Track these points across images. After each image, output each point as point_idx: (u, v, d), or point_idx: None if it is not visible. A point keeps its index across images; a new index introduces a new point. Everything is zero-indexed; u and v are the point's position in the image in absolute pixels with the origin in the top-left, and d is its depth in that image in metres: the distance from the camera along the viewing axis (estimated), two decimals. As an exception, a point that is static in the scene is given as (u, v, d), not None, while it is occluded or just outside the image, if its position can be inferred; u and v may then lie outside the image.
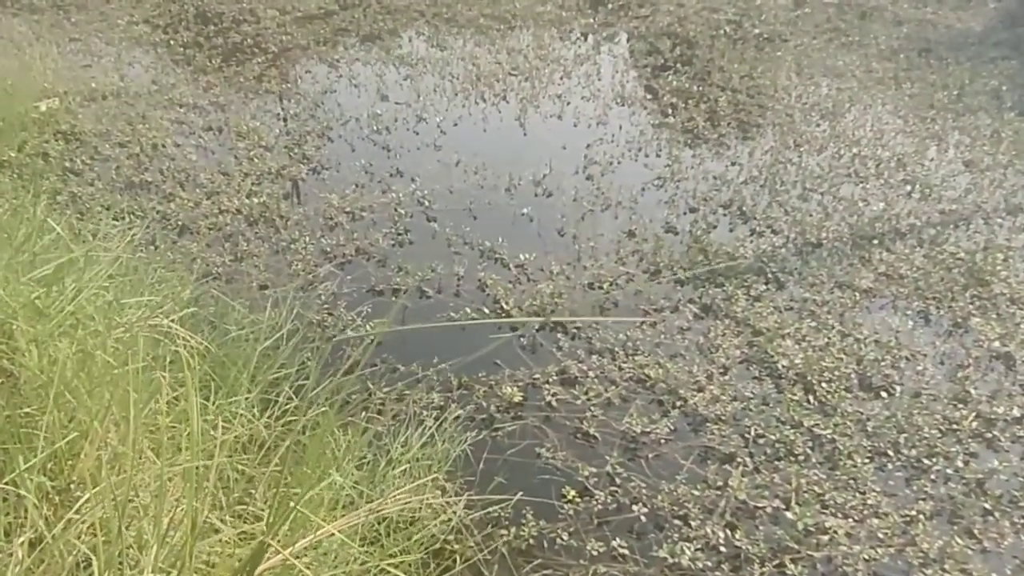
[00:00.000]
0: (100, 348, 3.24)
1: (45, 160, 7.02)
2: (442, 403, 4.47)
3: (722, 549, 3.74)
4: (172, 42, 10.23)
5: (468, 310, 5.27)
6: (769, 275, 5.75)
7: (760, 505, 3.96)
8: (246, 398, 3.56)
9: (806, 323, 5.24)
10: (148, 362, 3.28)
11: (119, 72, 9.13)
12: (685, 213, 6.60)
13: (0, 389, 3.09)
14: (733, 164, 7.42)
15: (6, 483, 2.52)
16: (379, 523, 3.36)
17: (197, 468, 2.48)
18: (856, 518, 3.91)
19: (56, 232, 4.01)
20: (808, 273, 5.78)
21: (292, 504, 2.52)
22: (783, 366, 4.85)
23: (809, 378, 4.76)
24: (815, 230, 6.28)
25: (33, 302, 3.31)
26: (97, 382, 3.09)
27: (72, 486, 2.84)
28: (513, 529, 3.74)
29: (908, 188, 7.03)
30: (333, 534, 2.66)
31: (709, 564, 3.66)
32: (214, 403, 3.41)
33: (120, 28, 10.71)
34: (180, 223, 6.17)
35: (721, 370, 4.84)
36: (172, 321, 3.64)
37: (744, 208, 6.62)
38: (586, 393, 4.62)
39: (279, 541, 2.46)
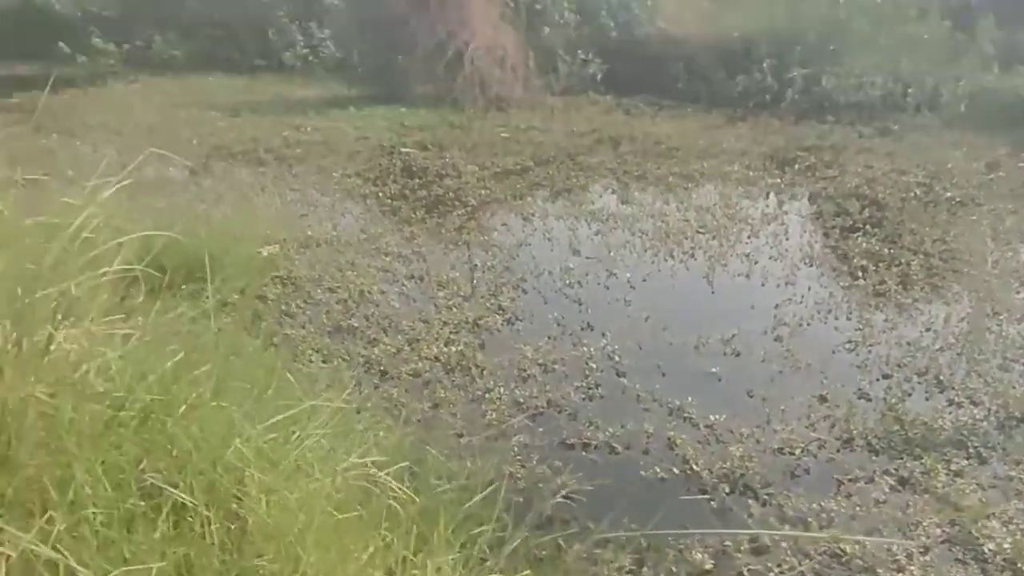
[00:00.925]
0: (323, 499, 3.49)
1: (263, 303, 7.61)
2: (632, 566, 4.50)
3: None
4: (380, 194, 11.03)
5: (657, 469, 5.34)
6: (970, 449, 5.55)
7: None
8: (452, 558, 3.69)
9: (1013, 504, 5.02)
10: (362, 513, 3.51)
11: (332, 221, 9.91)
12: (878, 379, 6.49)
13: (230, 534, 3.36)
14: (928, 330, 7.27)
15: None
16: None
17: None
18: None
19: (286, 379, 4.39)
20: (1012, 449, 5.55)
21: None
22: (989, 550, 4.64)
23: (1019, 565, 4.54)
24: (1018, 403, 6.05)
25: (266, 451, 3.62)
26: (319, 534, 3.32)
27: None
28: None
29: (1118, 360, 6.71)
30: None
31: None
32: (421, 560, 3.56)
33: (335, 180, 11.65)
34: (381, 368, 6.54)
35: (921, 549, 4.67)
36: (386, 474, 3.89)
37: (941, 376, 6.46)
38: (779, 565, 4.55)
39: None
